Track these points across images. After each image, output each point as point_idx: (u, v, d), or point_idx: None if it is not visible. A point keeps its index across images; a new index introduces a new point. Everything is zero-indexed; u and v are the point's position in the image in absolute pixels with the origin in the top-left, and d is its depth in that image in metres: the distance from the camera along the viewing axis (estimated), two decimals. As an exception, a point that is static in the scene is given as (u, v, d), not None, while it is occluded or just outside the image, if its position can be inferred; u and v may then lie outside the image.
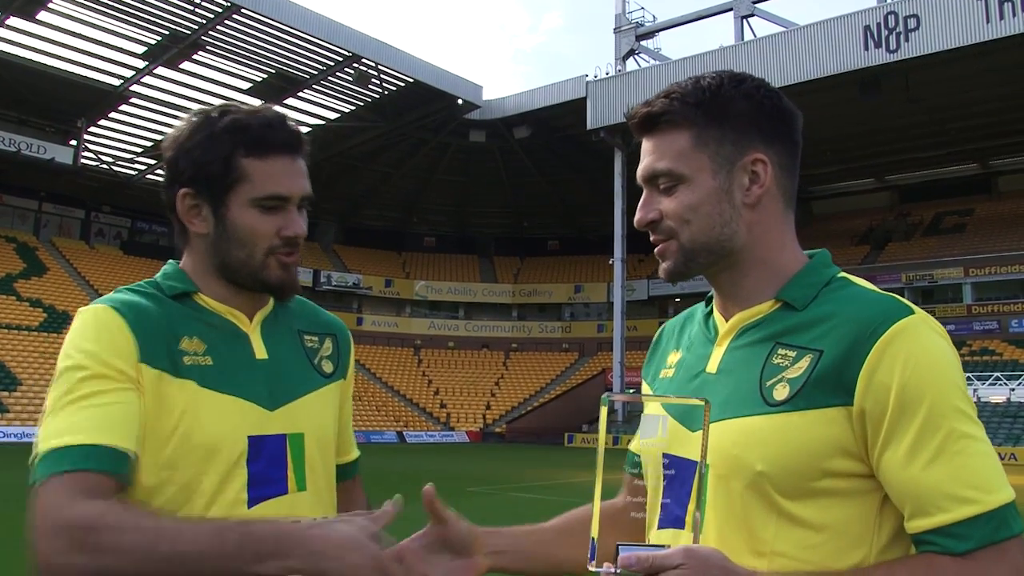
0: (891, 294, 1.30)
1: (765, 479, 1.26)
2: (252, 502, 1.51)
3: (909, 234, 53.05)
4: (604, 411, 1.22)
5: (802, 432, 1.25)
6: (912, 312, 1.25)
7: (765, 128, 1.36)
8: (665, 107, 1.37)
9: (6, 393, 36.77)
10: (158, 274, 1.65)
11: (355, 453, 1.88)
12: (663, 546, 1.17)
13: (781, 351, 1.31)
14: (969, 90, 38.92)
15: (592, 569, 1.19)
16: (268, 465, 1.54)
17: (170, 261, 1.67)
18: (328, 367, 1.74)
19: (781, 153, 1.38)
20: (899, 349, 1.22)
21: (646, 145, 1.40)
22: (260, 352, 1.62)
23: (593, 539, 1.20)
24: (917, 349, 1.22)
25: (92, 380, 1.42)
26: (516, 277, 65.81)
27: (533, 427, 49.16)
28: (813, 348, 1.27)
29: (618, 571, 1.17)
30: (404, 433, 48.10)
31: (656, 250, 1.41)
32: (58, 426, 1.39)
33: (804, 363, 1.27)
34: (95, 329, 1.48)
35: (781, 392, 1.27)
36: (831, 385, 1.24)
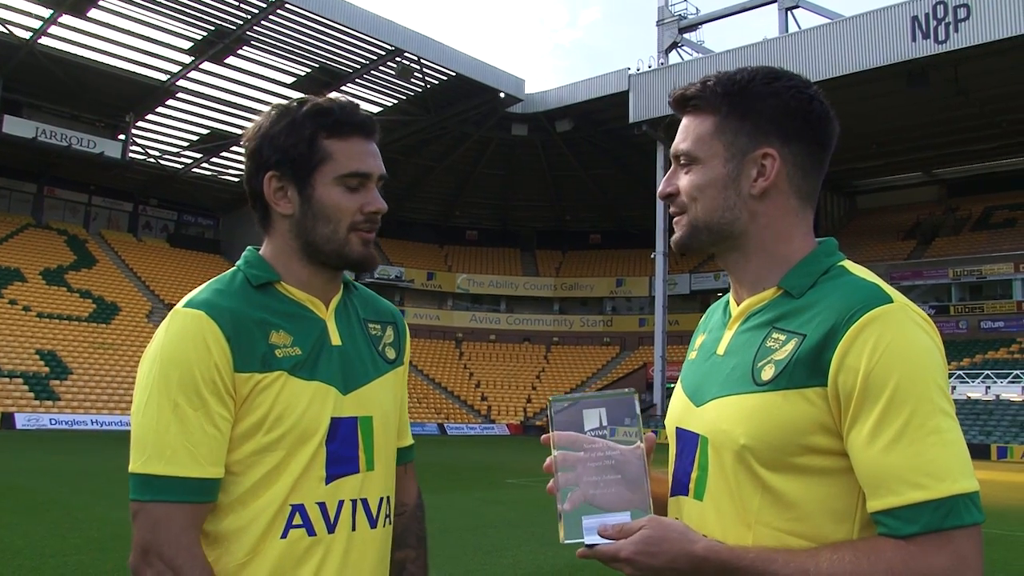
0: (879, 283, 1.34)
1: (748, 452, 1.32)
2: (329, 479, 1.61)
3: (957, 228, 52.12)
4: (551, 410, 1.41)
5: (782, 410, 1.30)
6: (891, 300, 1.29)
7: (786, 127, 1.41)
8: (697, 92, 1.47)
9: (57, 381, 37.61)
10: (240, 261, 1.73)
11: (410, 440, 1.94)
12: (627, 512, 1.30)
13: (774, 335, 1.37)
14: (1021, 81, 38.07)
15: (565, 543, 1.31)
16: (342, 445, 1.63)
17: (249, 248, 1.76)
18: (391, 354, 1.83)
19: (798, 153, 1.42)
20: (871, 335, 1.25)
21: (681, 124, 1.51)
22: (335, 339, 1.70)
23: (562, 514, 1.31)
24: (889, 336, 1.25)
25: (195, 396, 1.52)
26: (558, 271, 65.81)
27: (574, 421, 48.95)
28: (799, 332, 1.33)
29: (590, 545, 1.29)
30: (445, 425, 48.40)
31: (673, 221, 1.52)
32: (167, 441, 1.51)
33: (790, 346, 1.33)
34: (194, 339, 1.55)
35: (767, 372, 1.34)
36: (811, 367, 1.29)
